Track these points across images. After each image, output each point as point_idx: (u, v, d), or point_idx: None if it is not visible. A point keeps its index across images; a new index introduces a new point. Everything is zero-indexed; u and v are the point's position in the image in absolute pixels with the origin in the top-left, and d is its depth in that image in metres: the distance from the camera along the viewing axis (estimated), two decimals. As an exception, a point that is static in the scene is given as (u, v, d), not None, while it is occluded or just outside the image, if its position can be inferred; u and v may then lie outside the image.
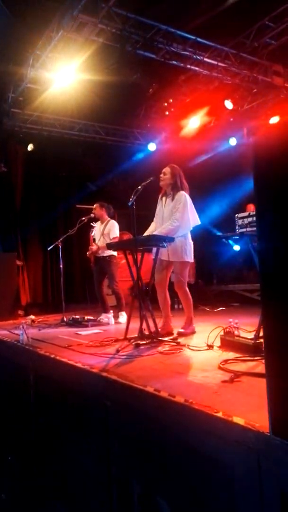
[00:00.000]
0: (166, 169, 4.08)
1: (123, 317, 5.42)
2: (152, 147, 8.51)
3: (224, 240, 6.51)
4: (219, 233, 7.10)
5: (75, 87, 6.34)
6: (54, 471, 3.10)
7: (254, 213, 3.05)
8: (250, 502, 1.48)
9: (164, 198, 4.13)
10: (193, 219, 4.03)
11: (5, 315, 6.40)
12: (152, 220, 4.26)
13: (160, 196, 4.20)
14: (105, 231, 5.59)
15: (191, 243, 4.04)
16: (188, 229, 4.00)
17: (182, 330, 3.94)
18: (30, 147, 7.63)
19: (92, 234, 5.84)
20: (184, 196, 3.97)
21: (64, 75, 5.80)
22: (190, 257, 3.99)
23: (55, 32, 5.21)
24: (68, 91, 6.46)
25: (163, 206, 4.11)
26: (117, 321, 5.39)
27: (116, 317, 5.48)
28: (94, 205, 5.78)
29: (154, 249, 3.89)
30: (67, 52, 5.39)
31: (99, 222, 5.79)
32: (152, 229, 4.16)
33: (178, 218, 3.88)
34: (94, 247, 5.57)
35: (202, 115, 7.51)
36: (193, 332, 3.98)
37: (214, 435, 1.66)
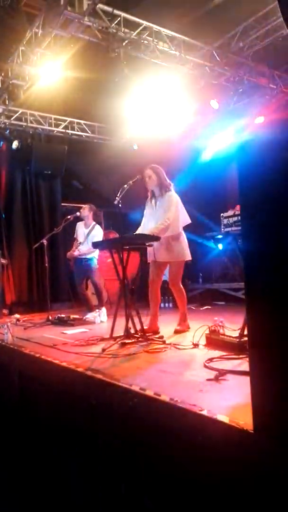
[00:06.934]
0: (149, 172, 4.02)
1: (104, 315, 5.44)
2: (135, 147, 8.48)
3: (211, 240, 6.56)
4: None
5: (61, 84, 6.28)
6: (39, 471, 3.08)
7: (239, 212, 3.08)
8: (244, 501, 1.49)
9: (153, 201, 4.11)
10: (183, 218, 4.05)
11: (-10, 314, 6.33)
12: (139, 218, 4.25)
13: (148, 199, 4.17)
14: (90, 236, 5.57)
15: (186, 241, 4.06)
16: (178, 229, 4.01)
17: (178, 328, 4.00)
18: (15, 144, 7.53)
19: (75, 236, 5.82)
20: (174, 196, 3.98)
21: (50, 71, 5.74)
22: (187, 255, 4.05)
23: (40, 28, 5.16)
24: (54, 88, 6.39)
25: (154, 208, 4.08)
26: (101, 320, 5.38)
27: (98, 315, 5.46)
28: (84, 206, 5.75)
29: (150, 249, 3.95)
30: (53, 49, 5.33)
31: (83, 223, 5.77)
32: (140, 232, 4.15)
33: (170, 217, 3.90)
34: (75, 252, 5.55)
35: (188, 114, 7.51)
36: (188, 327, 4.04)
37: (199, 433, 1.67)
